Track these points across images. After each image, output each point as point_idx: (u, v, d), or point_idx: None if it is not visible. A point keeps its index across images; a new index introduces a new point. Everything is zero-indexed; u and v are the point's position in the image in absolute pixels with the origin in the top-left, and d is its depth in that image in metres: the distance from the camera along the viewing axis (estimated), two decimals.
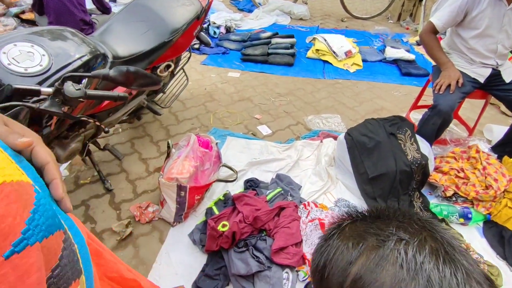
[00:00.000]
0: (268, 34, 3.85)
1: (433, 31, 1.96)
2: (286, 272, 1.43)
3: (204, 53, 3.63)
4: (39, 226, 0.29)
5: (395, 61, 3.70)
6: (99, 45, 1.42)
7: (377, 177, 1.82)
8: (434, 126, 1.92)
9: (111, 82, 1.13)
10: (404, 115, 2.31)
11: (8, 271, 0.25)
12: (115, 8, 3.41)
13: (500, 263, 1.61)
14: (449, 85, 1.87)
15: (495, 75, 1.97)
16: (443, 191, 1.90)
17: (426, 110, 2.00)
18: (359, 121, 2.21)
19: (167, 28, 1.79)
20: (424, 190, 1.96)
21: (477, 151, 1.96)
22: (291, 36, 3.78)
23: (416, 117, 2.47)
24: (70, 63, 1.20)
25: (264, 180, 1.95)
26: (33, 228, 0.28)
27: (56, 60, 1.16)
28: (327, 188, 1.95)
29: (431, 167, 1.90)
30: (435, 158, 2.03)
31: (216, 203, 1.70)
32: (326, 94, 3.05)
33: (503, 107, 2.86)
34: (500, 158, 2.02)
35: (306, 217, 1.64)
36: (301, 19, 5.01)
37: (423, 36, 2.03)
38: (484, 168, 1.86)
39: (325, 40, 3.70)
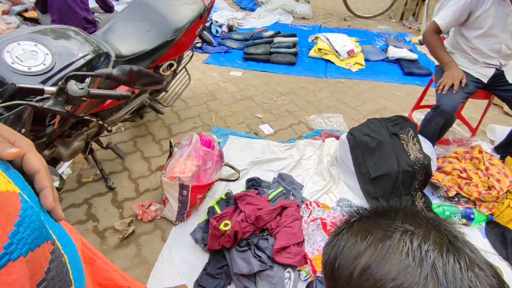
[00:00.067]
0: (270, 33, 3.84)
1: (437, 30, 1.95)
2: (288, 272, 1.43)
3: (206, 52, 3.62)
4: (23, 240, 0.28)
5: (398, 61, 3.69)
6: (102, 44, 1.42)
7: (379, 177, 1.82)
8: (437, 126, 1.92)
9: (114, 81, 1.13)
10: (406, 115, 2.31)
11: None
12: (118, 7, 3.41)
13: (502, 264, 1.60)
14: (452, 85, 1.87)
15: (499, 75, 1.97)
16: (445, 192, 1.90)
17: (428, 110, 2.00)
18: (361, 120, 2.21)
19: (170, 27, 1.79)
20: (427, 190, 1.96)
21: (480, 152, 1.96)
22: (294, 35, 3.77)
23: (418, 117, 2.46)
24: (73, 62, 1.20)
25: (266, 180, 1.95)
26: (17, 242, 0.27)
27: (60, 59, 1.16)
28: (329, 187, 1.94)
29: (433, 167, 1.90)
30: (437, 158, 2.02)
31: (218, 202, 1.70)
32: (328, 94, 3.04)
33: (506, 108, 2.85)
34: (503, 158, 2.02)
35: (308, 216, 1.64)
36: (303, 18, 5.00)
37: (426, 36, 2.02)
38: (486, 169, 1.85)
39: (328, 39, 3.69)
